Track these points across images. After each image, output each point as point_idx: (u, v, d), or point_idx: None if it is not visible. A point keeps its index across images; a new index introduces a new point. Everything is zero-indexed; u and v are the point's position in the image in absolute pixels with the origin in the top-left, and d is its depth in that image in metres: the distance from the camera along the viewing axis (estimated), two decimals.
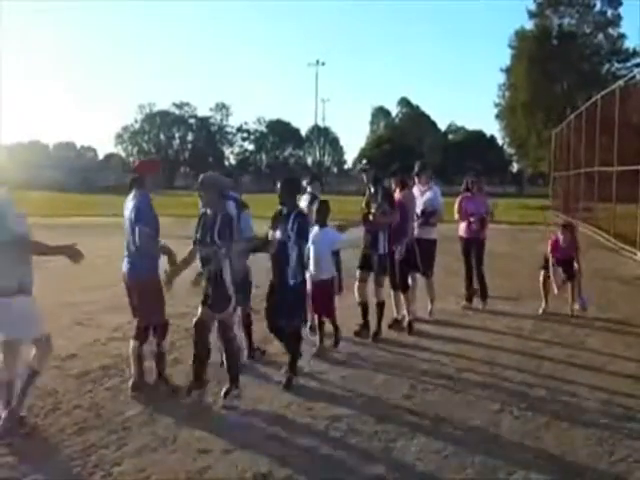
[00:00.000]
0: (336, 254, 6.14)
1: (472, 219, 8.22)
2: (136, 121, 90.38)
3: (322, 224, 6.11)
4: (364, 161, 6.97)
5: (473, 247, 8.31)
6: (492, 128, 71.26)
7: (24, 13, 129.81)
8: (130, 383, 5.02)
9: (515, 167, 79.00)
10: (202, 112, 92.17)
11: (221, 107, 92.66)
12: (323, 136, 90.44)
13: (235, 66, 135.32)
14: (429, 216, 7.49)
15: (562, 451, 4.08)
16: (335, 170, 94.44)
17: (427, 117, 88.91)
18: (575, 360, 6.02)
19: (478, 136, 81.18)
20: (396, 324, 7.09)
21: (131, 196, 5.01)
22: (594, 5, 44.02)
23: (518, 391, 5.16)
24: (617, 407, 4.82)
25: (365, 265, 6.72)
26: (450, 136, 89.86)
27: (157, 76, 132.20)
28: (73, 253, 4.14)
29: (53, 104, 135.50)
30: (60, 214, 22.20)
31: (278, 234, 5.19)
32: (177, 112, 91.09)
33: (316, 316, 6.24)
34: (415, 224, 7.29)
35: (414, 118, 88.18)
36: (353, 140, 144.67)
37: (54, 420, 4.29)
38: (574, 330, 7.19)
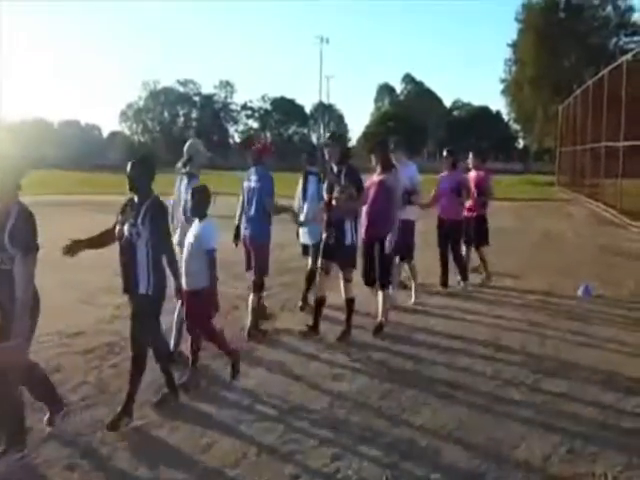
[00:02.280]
0: (211, 255, 4.57)
1: (441, 200, 7.83)
2: (140, 98, 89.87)
3: (200, 216, 4.73)
4: (327, 134, 6.38)
5: (448, 227, 7.81)
6: (498, 104, 70.65)
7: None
8: (246, 332, 5.84)
9: (521, 143, 78.36)
10: (206, 90, 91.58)
11: (225, 84, 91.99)
12: (328, 113, 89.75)
13: (239, 43, 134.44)
14: (411, 195, 6.97)
15: (565, 426, 4.09)
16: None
17: (432, 93, 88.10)
18: (579, 337, 6.01)
19: (484, 112, 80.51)
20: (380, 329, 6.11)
21: (253, 170, 6.02)
22: None
23: (522, 369, 5.15)
24: (621, 382, 4.82)
25: (328, 254, 5.82)
26: (455, 112, 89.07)
27: (161, 53, 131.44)
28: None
29: (57, 82, 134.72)
30: (62, 192, 22.25)
31: (125, 229, 4.07)
32: (181, 89, 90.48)
33: (189, 340, 4.85)
34: None
35: (419, 95, 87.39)
36: (358, 117, 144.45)
37: (61, 396, 4.33)
38: (578, 306, 7.17)
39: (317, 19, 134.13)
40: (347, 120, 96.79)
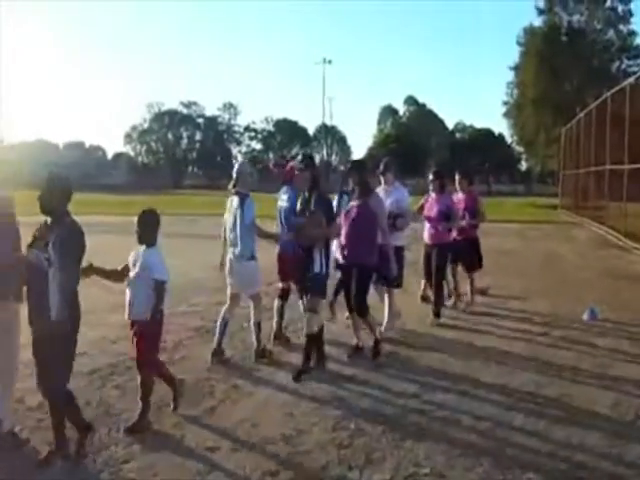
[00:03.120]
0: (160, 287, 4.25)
1: (429, 224, 7.46)
2: (145, 120, 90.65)
3: (147, 243, 4.36)
4: (299, 156, 5.79)
5: (433, 254, 7.40)
6: (500, 126, 71.13)
7: (32, 12, 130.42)
8: (272, 335, 6.20)
9: (524, 165, 78.62)
10: (210, 111, 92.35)
11: (229, 106, 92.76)
12: (330, 135, 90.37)
13: (243, 65, 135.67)
14: (396, 220, 6.60)
15: (571, 452, 4.03)
16: (342, 169, 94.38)
17: (435, 115, 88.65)
18: (585, 361, 5.96)
19: (486, 134, 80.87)
20: (357, 351, 5.97)
21: (284, 190, 6.33)
22: (604, 1, 43.68)
23: (527, 392, 5.10)
24: (627, 408, 4.76)
25: (301, 283, 5.62)
26: (458, 134, 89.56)
27: (165, 75, 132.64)
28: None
29: (63, 103, 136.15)
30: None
31: (33, 255, 3.72)
32: (185, 111, 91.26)
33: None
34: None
35: (421, 116, 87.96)
36: (361, 139, 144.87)
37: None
38: (584, 330, 7.12)
39: (320, 41, 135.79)
40: (350, 141, 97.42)
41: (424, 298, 7.87)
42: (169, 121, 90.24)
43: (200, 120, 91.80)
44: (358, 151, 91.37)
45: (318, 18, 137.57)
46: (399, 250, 6.61)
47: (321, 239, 5.37)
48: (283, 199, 6.29)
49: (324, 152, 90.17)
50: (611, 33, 44.34)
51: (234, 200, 5.76)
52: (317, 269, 5.35)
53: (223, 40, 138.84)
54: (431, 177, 7.57)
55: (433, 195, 7.52)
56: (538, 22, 44.12)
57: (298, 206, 5.64)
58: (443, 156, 76.81)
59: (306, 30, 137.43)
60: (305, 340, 5.41)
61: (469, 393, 5.04)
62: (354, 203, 5.83)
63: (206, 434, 4.22)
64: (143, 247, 4.36)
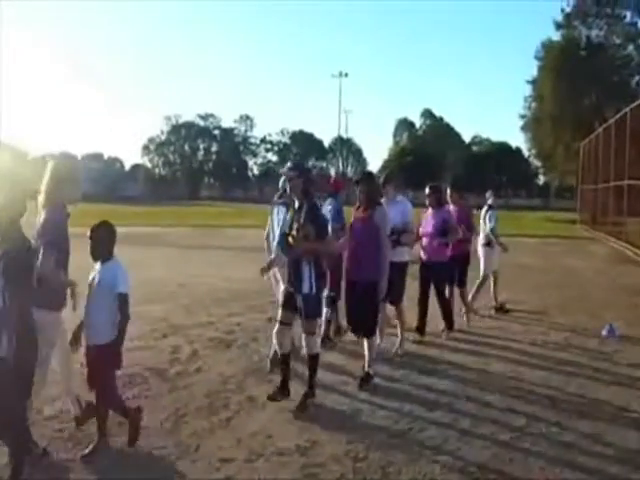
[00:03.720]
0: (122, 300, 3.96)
1: (424, 240, 7.09)
2: (162, 132, 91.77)
3: (102, 258, 4.07)
4: (288, 164, 5.26)
5: (431, 272, 7.03)
6: (518, 140, 71.00)
7: (49, 27, 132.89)
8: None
9: (541, 180, 78.19)
10: (226, 123, 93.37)
11: (245, 118, 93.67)
12: (346, 147, 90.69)
13: (259, 78, 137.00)
14: (399, 235, 6.30)
15: (592, 468, 3.97)
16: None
17: (451, 128, 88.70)
18: (603, 376, 5.88)
19: (503, 148, 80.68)
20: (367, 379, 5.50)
21: (329, 201, 6.69)
22: (624, 16, 43.50)
23: (545, 407, 5.03)
24: None
25: (288, 303, 4.99)
26: (474, 148, 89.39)
27: (183, 88, 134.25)
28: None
29: (82, 116, 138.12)
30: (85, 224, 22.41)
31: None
32: (202, 123, 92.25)
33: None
34: None
35: (438, 130, 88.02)
36: (376, 152, 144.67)
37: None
38: (602, 346, 7.03)
39: (336, 53, 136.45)
40: (365, 154, 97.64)
41: (419, 329, 7.08)
42: (186, 133, 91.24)
43: (217, 132, 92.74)
44: (374, 164, 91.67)
45: (335, 31, 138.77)
46: (402, 266, 6.37)
47: (310, 254, 4.86)
48: (326, 210, 6.45)
49: (339, 164, 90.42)
50: (631, 48, 44.07)
51: (281, 210, 5.85)
52: (306, 289, 4.85)
53: (240, 53, 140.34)
54: (427, 191, 7.26)
55: (430, 210, 7.23)
56: (556, 37, 44.04)
57: (287, 218, 5.30)
58: (459, 169, 76.61)
59: (323, 43, 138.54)
60: (308, 362, 5.01)
61: (485, 409, 4.99)
62: (360, 215, 5.61)
63: (221, 445, 4.21)
64: (98, 264, 4.07)
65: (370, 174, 6.22)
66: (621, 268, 14.33)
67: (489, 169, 75.76)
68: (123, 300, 3.93)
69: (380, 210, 5.57)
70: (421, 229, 7.15)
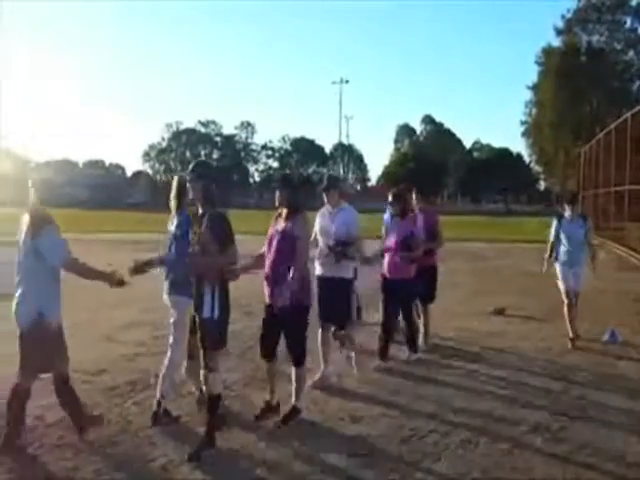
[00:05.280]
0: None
1: (386, 255, 6.36)
2: (163, 139, 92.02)
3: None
4: (190, 166, 4.47)
5: (394, 291, 6.30)
6: (519, 146, 71.13)
7: (55, 36, 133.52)
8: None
9: (542, 185, 78.26)
10: (227, 130, 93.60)
11: (246, 125, 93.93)
12: (347, 153, 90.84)
13: (260, 84, 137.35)
14: (343, 247, 5.52)
15: (595, 475, 3.96)
16: (359, 187, 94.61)
17: (452, 134, 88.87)
18: (605, 383, 5.87)
19: (504, 154, 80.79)
20: (268, 411, 4.82)
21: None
22: (624, 22, 43.68)
23: (546, 414, 5.02)
24: None
25: (192, 329, 4.46)
26: (475, 154, 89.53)
27: (184, 95, 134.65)
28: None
29: (84, 123, 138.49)
30: (89, 230, 22.58)
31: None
32: (203, 130, 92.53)
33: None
34: (316, 259, 5.62)
35: (439, 136, 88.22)
36: (377, 158, 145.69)
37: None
38: (604, 352, 7.02)
39: (337, 60, 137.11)
40: (367, 160, 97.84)
41: (382, 353, 6.40)
42: (187, 140, 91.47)
43: (218, 139, 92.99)
44: (375, 170, 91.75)
45: (336, 38, 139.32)
46: (345, 284, 5.64)
47: (212, 271, 4.17)
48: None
49: (341, 171, 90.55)
50: (631, 54, 44.22)
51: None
52: (207, 312, 4.15)
53: (241, 59, 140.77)
54: (390, 199, 6.41)
55: (394, 220, 6.44)
56: (556, 42, 44.20)
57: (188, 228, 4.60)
58: (460, 175, 76.71)
59: (324, 50, 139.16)
60: (207, 403, 4.31)
61: (486, 417, 4.98)
62: (279, 226, 4.75)
63: (220, 451, 4.22)
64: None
65: (288, 177, 5.16)
66: (622, 274, 14.31)
67: (490, 175, 75.84)
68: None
69: (301, 219, 4.72)
70: (384, 241, 6.46)
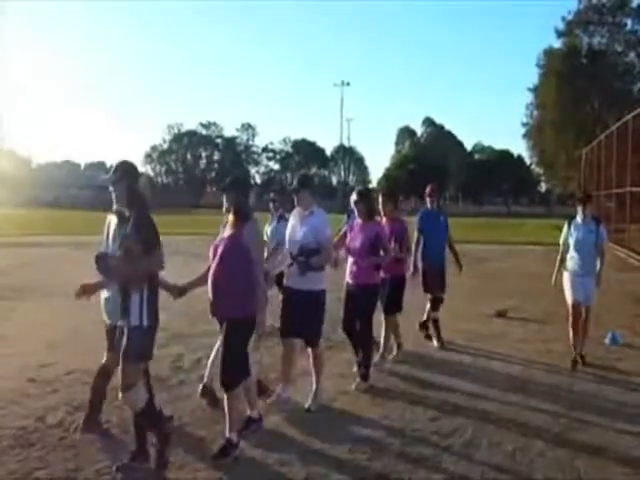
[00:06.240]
0: None
1: (350, 260, 5.78)
2: (164, 141, 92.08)
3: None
4: (113, 165, 4.21)
5: (358, 297, 5.65)
6: (519, 148, 71.19)
7: (56, 38, 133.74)
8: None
9: (543, 187, 78.23)
10: (229, 132, 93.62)
11: (247, 127, 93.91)
12: (348, 156, 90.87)
13: (261, 87, 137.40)
14: (307, 256, 4.95)
15: (598, 478, 3.95)
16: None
17: (453, 136, 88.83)
18: (607, 385, 5.86)
19: (505, 155, 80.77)
20: (252, 422, 4.54)
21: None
22: (625, 24, 43.67)
23: (549, 417, 5.02)
24: None
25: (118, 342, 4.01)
26: (476, 155, 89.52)
27: (185, 97, 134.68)
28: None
29: (86, 125, 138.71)
30: (86, 232, 22.53)
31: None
32: (204, 132, 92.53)
33: None
34: (287, 267, 5.16)
35: (439, 137, 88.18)
36: (378, 160, 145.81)
37: (84, 434, 4.33)
38: (606, 354, 7.00)
39: (338, 62, 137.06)
40: (368, 162, 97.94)
41: (362, 374, 5.69)
42: (188, 141, 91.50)
43: (219, 140, 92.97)
44: (375, 172, 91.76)
45: (337, 40, 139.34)
46: (315, 296, 5.07)
47: (136, 277, 3.87)
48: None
49: (341, 173, 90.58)
50: (632, 55, 44.20)
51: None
52: (134, 321, 3.83)
53: (242, 61, 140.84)
54: (355, 198, 5.78)
55: (358, 222, 5.83)
56: (557, 44, 44.20)
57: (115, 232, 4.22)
58: (461, 177, 76.69)
59: (325, 52, 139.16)
60: (134, 420, 4.04)
61: (488, 419, 4.97)
62: (226, 233, 4.31)
63: None
64: None
65: (236, 180, 4.59)
66: (623, 275, 14.29)
67: (491, 177, 75.83)
68: None
69: (251, 225, 4.27)
70: (347, 245, 5.81)
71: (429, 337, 7.39)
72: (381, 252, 5.71)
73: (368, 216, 5.73)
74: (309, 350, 5.23)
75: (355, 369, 5.82)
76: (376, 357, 6.24)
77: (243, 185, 4.57)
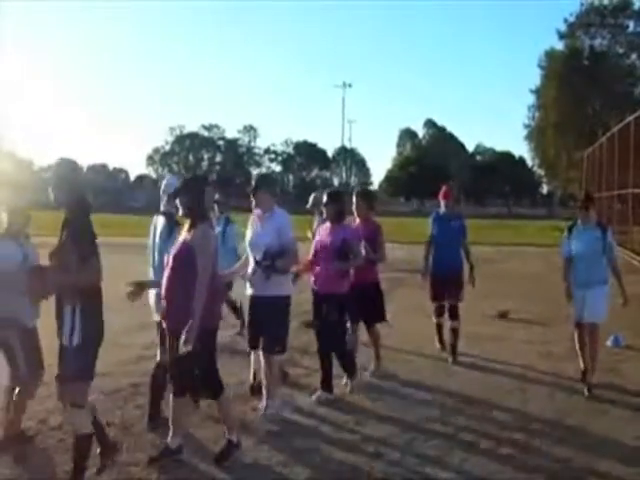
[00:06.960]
0: None
1: (317, 266, 5.41)
2: (166, 143, 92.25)
3: None
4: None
5: (327, 304, 5.29)
6: (521, 149, 71.17)
7: (57, 38, 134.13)
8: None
9: (545, 189, 78.20)
10: (230, 134, 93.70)
11: (249, 129, 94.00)
12: (349, 157, 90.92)
13: (263, 88, 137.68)
14: (273, 259, 4.70)
15: None
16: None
17: (454, 138, 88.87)
18: (608, 387, 5.84)
19: (507, 157, 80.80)
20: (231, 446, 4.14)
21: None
22: (627, 26, 43.64)
23: (550, 419, 5.01)
24: None
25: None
26: (478, 157, 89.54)
27: (187, 99, 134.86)
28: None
29: (88, 127, 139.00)
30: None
31: None
32: (206, 134, 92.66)
33: None
34: (247, 278, 4.90)
35: (441, 139, 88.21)
36: (380, 162, 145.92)
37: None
38: (607, 356, 6.99)
39: (340, 64, 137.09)
40: (369, 164, 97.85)
41: (325, 384, 5.38)
42: (190, 143, 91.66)
43: (221, 142, 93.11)
44: (377, 174, 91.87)
45: (338, 42, 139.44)
46: (281, 301, 4.84)
47: (70, 289, 3.59)
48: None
49: (343, 174, 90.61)
50: (634, 57, 44.17)
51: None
52: (64, 340, 3.61)
53: (243, 63, 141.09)
54: (325, 200, 5.50)
55: (327, 225, 5.55)
56: (559, 46, 44.18)
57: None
58: (463, 179, 76.70)
59: (327, 54, 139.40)
60: (74, 444, 3.77)
61: (487, 424, 4.97)
62: (181, 238, 4.05)
63: None
64: None
65: (193, 179, 4.43)
66: (627, 277, 14.20)
67: (493, 178, 75.84)
68: None
69: (204, 228, 3.99)
70: (314, 248, 5.53)
71: (453, 347, 6.68)
72: (351, 257, 5.34)
73: (337, 219, 5.41)
74: (261, 356, 4.87)
75: (344, 380, 5.62)
76: (372, 366, 6.15)
77: (195, 186, 4.15)
